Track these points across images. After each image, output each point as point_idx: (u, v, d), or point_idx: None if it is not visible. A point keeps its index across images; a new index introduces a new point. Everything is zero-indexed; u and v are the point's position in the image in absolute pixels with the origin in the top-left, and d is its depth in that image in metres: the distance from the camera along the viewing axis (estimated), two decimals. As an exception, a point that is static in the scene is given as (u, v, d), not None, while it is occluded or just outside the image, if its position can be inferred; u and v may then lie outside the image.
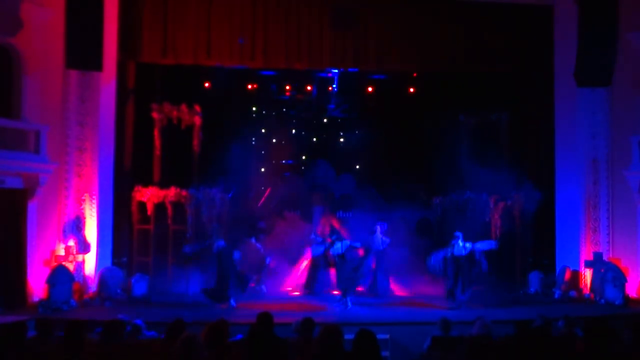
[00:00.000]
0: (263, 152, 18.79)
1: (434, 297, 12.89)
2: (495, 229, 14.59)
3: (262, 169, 18.60)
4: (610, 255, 13.40)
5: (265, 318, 6.15)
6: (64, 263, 12.26)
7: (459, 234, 12.32)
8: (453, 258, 12.12)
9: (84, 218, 12.93)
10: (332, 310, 11.74)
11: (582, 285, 13.58)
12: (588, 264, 13.39)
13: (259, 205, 17.11)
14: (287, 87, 18.13)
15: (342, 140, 19.96)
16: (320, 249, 13.27)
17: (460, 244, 12.13)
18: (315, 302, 12.65)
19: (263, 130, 19.23)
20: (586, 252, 13.59)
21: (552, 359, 5.39)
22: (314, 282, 14.12)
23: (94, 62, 11.72)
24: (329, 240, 13.08)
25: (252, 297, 13.06)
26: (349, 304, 12.06)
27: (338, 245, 12.54)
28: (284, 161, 19.26)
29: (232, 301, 12.00)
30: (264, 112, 19.11)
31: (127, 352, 5.95)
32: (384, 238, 13.73)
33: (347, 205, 16.95)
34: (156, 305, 12.35)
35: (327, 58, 14.16)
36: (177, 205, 14.13)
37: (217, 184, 14.47)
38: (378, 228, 13.79)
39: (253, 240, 14.24)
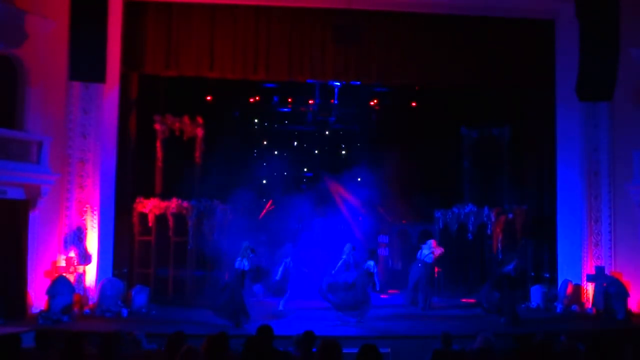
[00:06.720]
0: (265, 164, 18.84)
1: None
2: (497, 243, 14.55)
3: (264, 181, 18.63)
4: (613, 270, 13.33)
5: (265, 331, 6.11)
6: (64, 274, 12.22)
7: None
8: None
9: (85, 229, 12.91)
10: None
11: (584, 300, 13.51)
12: (590, 278, 13.33)
13: (260, 217, 17.11)
14: (289, 100, 18.20)
15: (343, 152, 20.00)
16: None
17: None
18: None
19: (265, 143, 19.30)
20: (588, 266, 13.51)
21: (554, 373, 5.36)
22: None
23: (97, 74, 11.71)
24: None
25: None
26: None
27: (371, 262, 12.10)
28: (285, 173, 19.29)
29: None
30: (265, 124, 19.18)
31: (126, 364, 5.93)
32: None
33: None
34: (156, 317, 12.31)
35: (330, 71, 14.18)
36: (179, 216, 14.14)
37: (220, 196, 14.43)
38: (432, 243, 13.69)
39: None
